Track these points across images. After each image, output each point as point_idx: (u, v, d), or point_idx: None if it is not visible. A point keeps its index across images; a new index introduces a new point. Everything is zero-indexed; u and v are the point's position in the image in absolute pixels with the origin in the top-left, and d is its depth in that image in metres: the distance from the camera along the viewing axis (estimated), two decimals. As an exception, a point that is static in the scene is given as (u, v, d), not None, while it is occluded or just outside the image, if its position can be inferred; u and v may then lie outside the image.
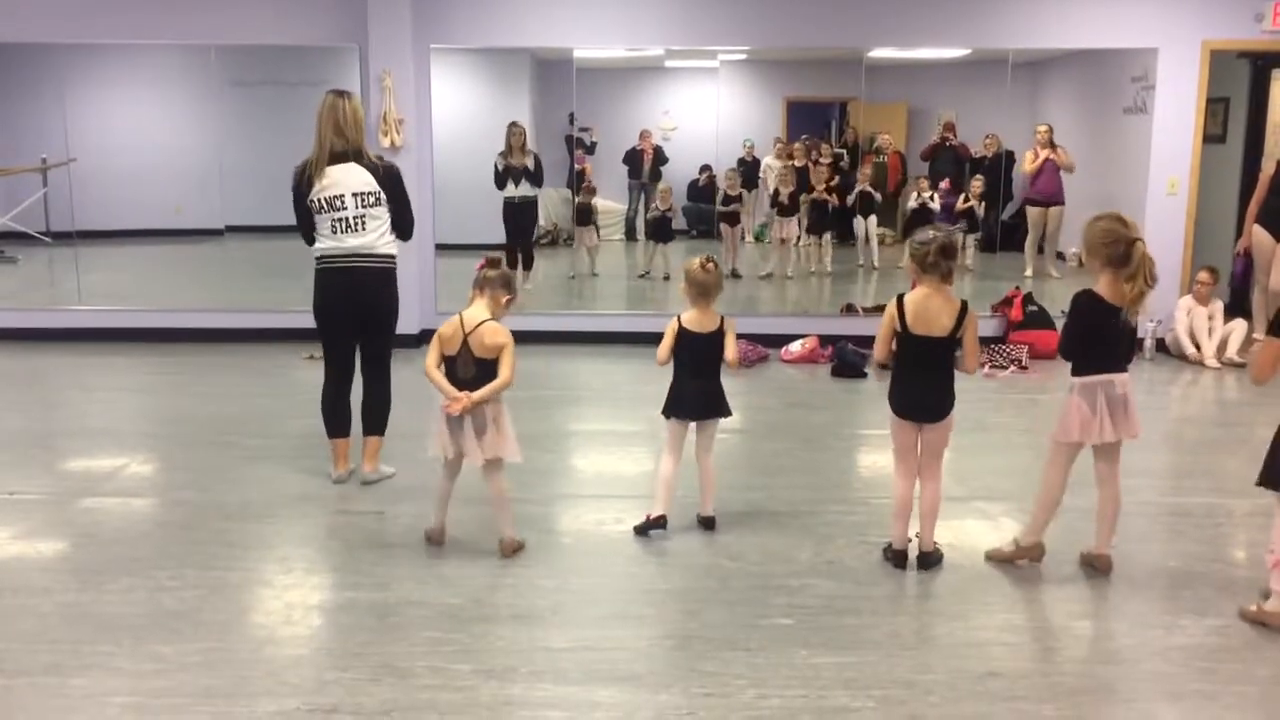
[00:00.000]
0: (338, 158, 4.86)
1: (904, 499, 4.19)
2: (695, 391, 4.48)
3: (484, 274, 4.25)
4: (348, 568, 4.17)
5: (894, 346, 4.12)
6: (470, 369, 4.14)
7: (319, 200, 4.87)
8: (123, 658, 3.41)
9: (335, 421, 5.13)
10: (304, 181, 4.90)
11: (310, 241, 5.01)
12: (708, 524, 4.57)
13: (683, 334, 4.45)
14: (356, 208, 4.89)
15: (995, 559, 4.23)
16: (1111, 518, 4.10)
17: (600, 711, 3.14)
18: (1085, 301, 3.98)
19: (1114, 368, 3.99)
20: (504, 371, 4.14)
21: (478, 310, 4.20)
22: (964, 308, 4.04)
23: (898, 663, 3.42)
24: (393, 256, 5.04)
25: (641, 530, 4.49)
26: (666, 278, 9.82)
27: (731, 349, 4.48)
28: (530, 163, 9.24)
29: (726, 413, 4.56)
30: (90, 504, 4.85)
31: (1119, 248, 3.85)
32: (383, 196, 4.93)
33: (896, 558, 4.19)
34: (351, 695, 3.20)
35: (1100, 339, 3.98)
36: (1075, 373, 4.03)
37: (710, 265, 4.46)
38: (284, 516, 4.72)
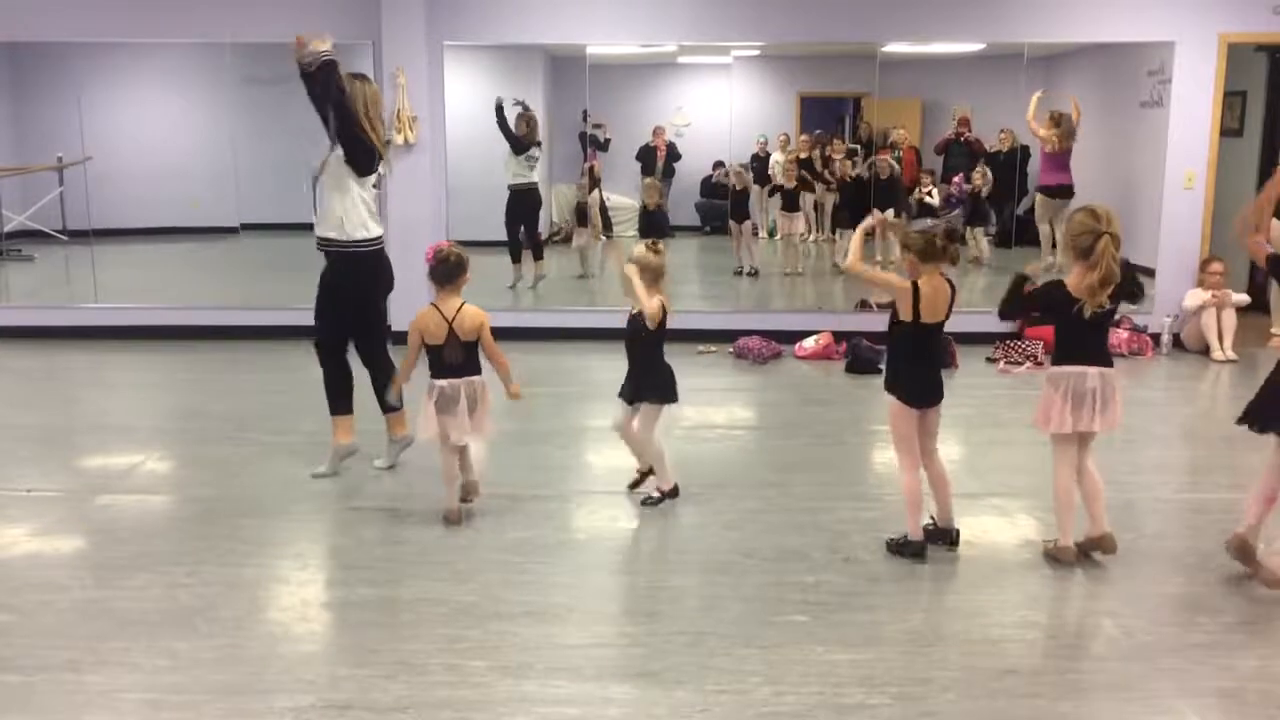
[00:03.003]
0: None
1: (917, 490, 4.21)
2: (628, 376, 4.78)
3: (448, 264, 4.47)
4: (362, 564, 4.18)
5: (896, 335, 4.20)
6: (459, 354, 4.45)
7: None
8: (139, 654, 3.43)
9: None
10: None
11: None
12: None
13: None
14: None
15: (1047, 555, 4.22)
16: (1096, 500, 4.12)
17: (615, 708, 3.14)
18: (1053, 286, 4.04)
19: (1084, 360, 4.02)
20: (495, 350, 4.52)
21: (452, 299, 4.48)
22: (953, 288, 4.15)
23: (914, 659, 3.41)
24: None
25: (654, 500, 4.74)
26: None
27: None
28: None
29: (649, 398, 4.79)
30: (107, 501, 4.88)
31: (1086, 240, 3.89)
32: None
33: (917, 550, 4.19)
34: (366, 692, 3.21)
35: (1068, 330, 4.04)
36: (1054, 363, 4.12)
37: (658, 247, 4.71)
38: (299, 513, 4.73)
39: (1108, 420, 4.03)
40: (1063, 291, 3.98)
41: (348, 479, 5.10)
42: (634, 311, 4.69)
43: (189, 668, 3.35)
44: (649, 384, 4.70)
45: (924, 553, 4.17)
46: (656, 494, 4.76)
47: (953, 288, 4.14)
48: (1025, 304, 4.15)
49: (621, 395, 4.77)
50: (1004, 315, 4.25)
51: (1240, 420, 3.99)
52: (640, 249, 4.67)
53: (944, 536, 4.27)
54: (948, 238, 4.08)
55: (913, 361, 4.19)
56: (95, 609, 3.76)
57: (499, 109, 9.05)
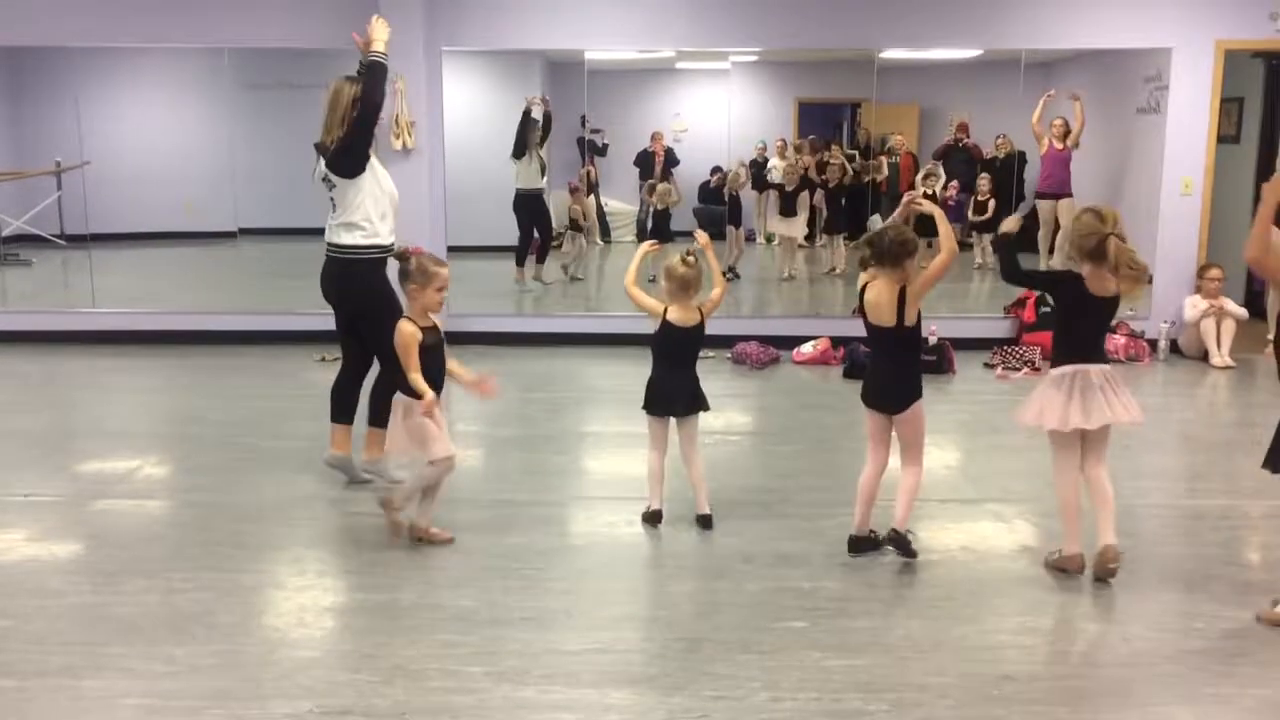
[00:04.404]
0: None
1: (865, 484, 4.31)
2: (675, 386, 4.53)
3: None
4: (360, 570, 4.18)
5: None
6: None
7: None
8: (136, 659, 3.42)
9: (336, 406, 5.08)
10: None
11: None
12: (705, 523, 4.57)
13: (665, 326, 4.51)
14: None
15: (1050, 566, 4.15)
16: (1103, 508, 4.04)
17: (613, 714, 3.13)
18: (1067, 275, 4.07)
19: (1084, 359, 4.00)
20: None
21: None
22: (902, 292, 4.11)
23: (911, 666, 3.41)
24: (348, 247, 4.87)
25: (648, 520, 4.58)
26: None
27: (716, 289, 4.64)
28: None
29: (705, 406, 4.60)
30: (104, 506, 4.87)
31: (1091, 241, 3.87)
32: (334, 179, 4.85)
33: (854, 544, 4.28)
34: (364, 697, 3.20)
35: (1071, 325, 4.05)
36: (1053, 365, 4.07)
37: (690, 259, 4.52)
38: (297, 519, 4.73)
39: (1115, 414, 3.97)
40: (1079, 286, 3.95)
41: (344, 485, 5.09)
42: (687, 323, 4.52)
43: (186, 673, 3.34)
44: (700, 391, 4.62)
45: (861, 549, 4.29)
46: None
47: (902, 291, 4.09)
48: (1031, 278, 4.40)
49: (672, 412, 4.56)
50: (1007, 278, 4.26)
51: (1265, 464, 3.85)
52: (674, 259, 4.54)
53: (888, 538, 4.26)
54: (867, 244, 4.16)
55: (868, 359, 4.46)
56: (92, 614, 3.76)
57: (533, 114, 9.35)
